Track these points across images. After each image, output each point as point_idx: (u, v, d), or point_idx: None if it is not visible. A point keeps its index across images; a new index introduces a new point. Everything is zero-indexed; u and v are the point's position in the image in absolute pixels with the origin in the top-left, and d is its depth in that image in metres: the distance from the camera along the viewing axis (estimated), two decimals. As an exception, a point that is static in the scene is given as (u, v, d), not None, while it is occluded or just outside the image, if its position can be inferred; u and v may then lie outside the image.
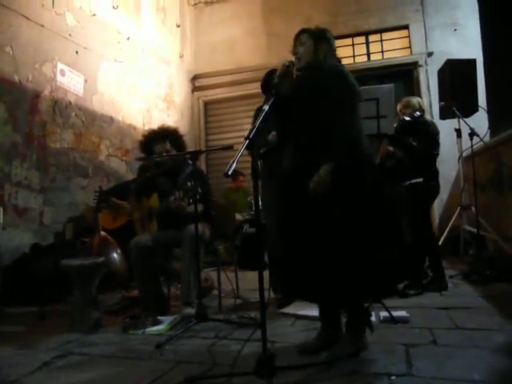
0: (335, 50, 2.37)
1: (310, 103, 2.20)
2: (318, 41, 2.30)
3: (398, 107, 3.85)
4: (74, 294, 2.95)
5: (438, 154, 3.73)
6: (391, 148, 3.66)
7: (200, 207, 3.09)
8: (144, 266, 3.19)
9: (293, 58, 2.32)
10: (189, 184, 3.02)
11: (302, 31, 2.34)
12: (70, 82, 5.03)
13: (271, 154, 3.16)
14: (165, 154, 3.42)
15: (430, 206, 3.78)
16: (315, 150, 2.15)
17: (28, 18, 4.48)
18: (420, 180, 3.57)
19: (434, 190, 3.74)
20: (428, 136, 3.57)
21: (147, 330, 2.81)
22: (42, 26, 4.66)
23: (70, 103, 5.02)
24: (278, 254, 2.21)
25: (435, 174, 3.71)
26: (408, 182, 3.63)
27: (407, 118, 3.59)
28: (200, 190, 2.97)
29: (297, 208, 2.20)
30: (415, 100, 3.83)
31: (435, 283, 3.56)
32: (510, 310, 2.84)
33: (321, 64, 2.29)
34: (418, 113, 3.63)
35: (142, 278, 3.23)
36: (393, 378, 1.86)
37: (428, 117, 3.81)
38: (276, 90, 2.09)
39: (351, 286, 2.06)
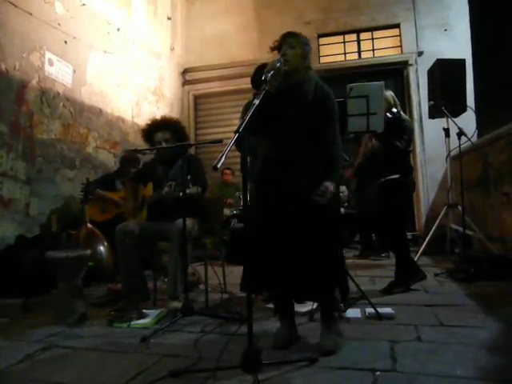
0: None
1: (302, 112, 2.27)
2: (305, 48, 2.35)
3: None
4: (59, 286, 2.91)
5: (411, 151, 3.79)
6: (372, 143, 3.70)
7: (196, 189, 3.13)
8: (128, 253, 3.16)
9: (277, 56, 2.33)
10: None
11: (292, 34, 2.37)
12: (59, 71, 4.96)
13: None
14: (155, 147, 3.43)
15: (406, 203, 3.80)
16: (295, 150, 2.25)
17: (16, 6, 4.40)
18: (396, 176, 3.58)
19: (410, 186, 3.76)
20: (405, 133, 3.58)
21: (133, 323, 2.80)
22: (31, 14, 4.58)
23: (58, 94, 4.95)
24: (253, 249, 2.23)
25: (410, 170, 3.77)
26: (383, 179, 3.61)
27: (390, 116, 3.60)
28: (190, 177, 2.97)
29: (270, 204, 2.26)
30: (389, 94, 3.77)
31: (414, 277, 3.58)
32: (493, 307, 2.87)
33: (313, 77, 2.37)
34: (394, 109, 3.65)
35: (125, 265, 3.19)
36: (377, 373, 1.87)
37: (403, 113, 3.83)
38: (268, 86, 2.08)
39: (324, 276, 2.21)
